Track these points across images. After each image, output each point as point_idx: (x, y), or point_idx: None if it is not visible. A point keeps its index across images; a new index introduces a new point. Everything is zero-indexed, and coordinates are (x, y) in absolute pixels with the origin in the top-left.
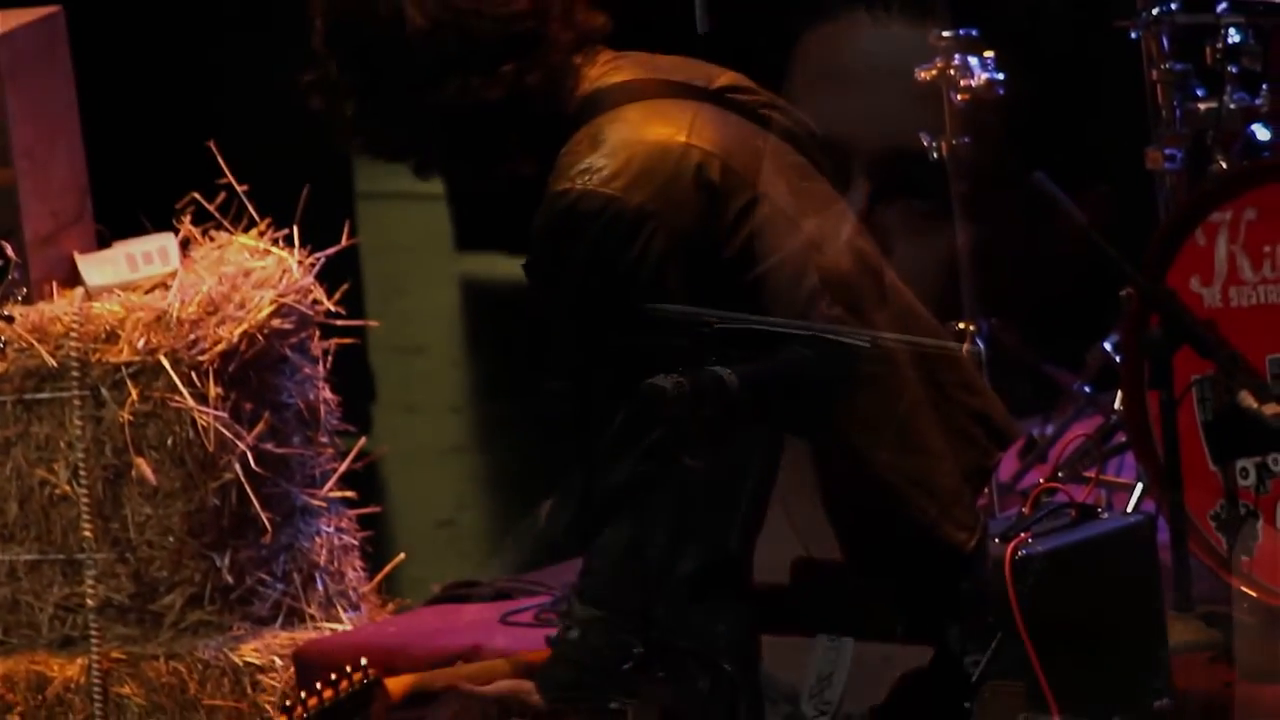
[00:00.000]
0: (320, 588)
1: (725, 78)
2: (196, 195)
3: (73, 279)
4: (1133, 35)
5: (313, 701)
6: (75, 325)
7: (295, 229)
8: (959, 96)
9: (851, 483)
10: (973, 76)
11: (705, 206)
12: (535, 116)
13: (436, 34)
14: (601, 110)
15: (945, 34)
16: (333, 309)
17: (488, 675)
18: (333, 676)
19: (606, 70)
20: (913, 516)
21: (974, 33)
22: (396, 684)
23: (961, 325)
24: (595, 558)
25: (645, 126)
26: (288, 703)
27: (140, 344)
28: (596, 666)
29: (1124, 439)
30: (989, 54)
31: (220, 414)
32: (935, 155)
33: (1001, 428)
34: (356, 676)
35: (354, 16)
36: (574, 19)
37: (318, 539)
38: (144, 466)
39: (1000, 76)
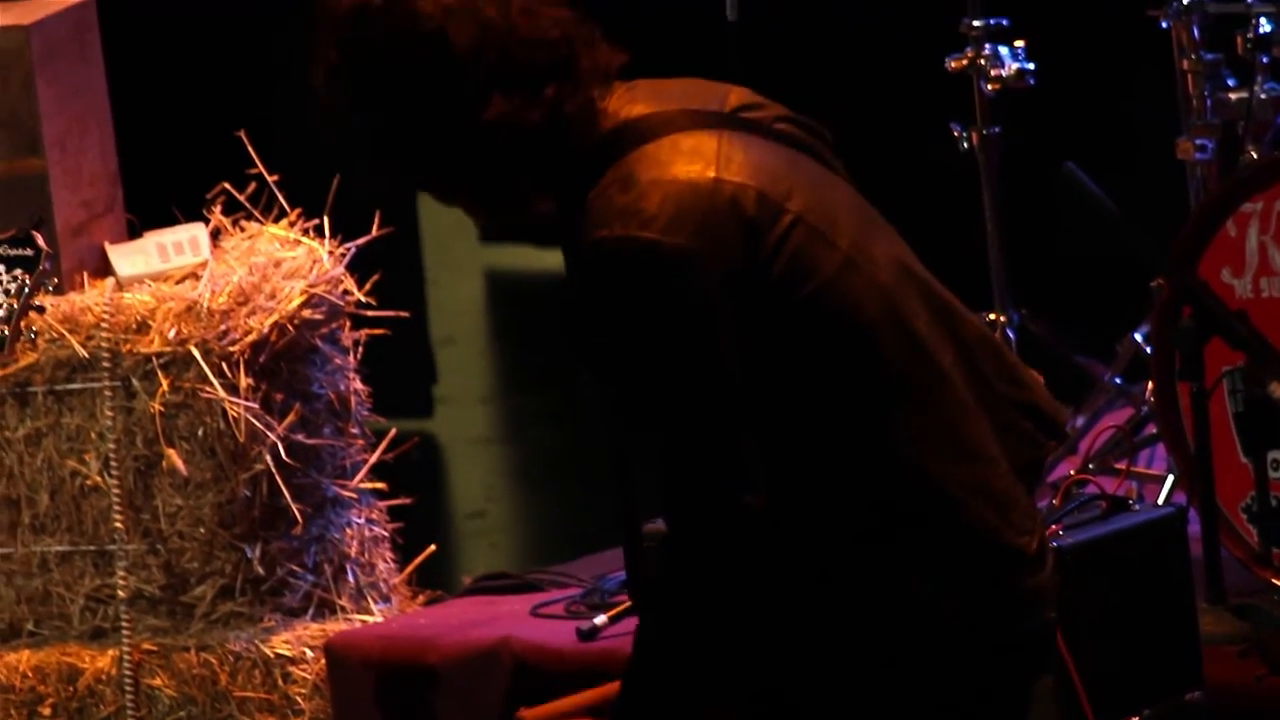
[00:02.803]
0: (351, 579)
1: (735, 96)
2: (227, 185)
3: (103, 269)
4: (1163, 25)
5: None
6: (106, 315)
7: (326, 219)
8: (989, 86)
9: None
10: (1003, 66)
11: (745, 239)
12: (566, 149)
13: (481, 53)
14: (626, 149)
15: (976, 23)
16: (363, 299)
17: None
18: None
19: (623, 104)
20: (972, 525)
21: (1004, 22)
22: (533, 714)
23: (991, 316)
24: None
25: (673, 165)
26: None
27: (171, 334)
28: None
29: (1155, 430)
30: (1019, 43)
31: (251, 404)
32: (965, 145)
33: (1051, 417)
34: None
35: (394, 38)
36: (598, 52)
37: (348, 530)
38: (175, 457)
39: (1031, 66)
